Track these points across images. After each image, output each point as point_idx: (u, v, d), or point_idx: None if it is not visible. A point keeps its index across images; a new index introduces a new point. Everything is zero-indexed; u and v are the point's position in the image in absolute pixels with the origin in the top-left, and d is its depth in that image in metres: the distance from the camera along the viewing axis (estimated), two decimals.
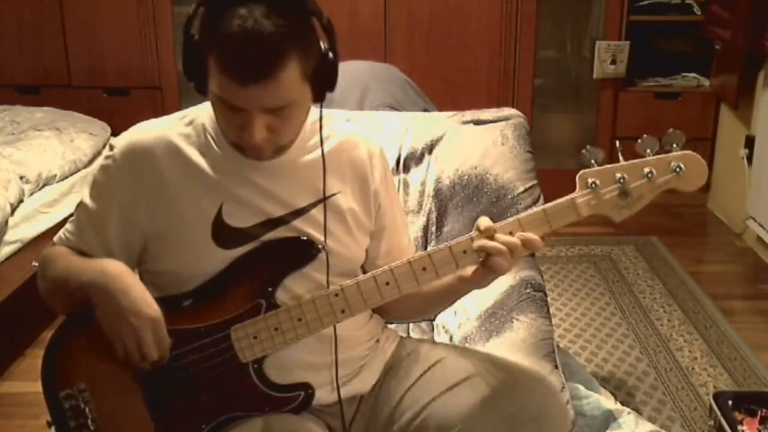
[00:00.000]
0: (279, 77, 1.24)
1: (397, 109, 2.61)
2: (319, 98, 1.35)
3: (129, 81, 4.10)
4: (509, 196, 2.11)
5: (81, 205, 1.46)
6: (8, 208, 2.65)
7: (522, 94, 4.09)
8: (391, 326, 1.72)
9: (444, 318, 2.05)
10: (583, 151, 1.38)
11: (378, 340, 1.56)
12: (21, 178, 2.81)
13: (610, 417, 2.20)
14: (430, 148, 2.22)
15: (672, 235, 3.80)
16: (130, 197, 1.39)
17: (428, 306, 1.59)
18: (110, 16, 4.02)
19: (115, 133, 3.49)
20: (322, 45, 1.31)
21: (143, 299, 1.32)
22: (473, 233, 1.37)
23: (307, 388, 1.41)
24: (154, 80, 4.09)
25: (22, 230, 2.74)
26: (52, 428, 1.39)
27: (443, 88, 3.88)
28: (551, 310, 2.10)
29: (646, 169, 1.37)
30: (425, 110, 2.69)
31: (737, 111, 3.86)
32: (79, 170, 3.17)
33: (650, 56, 4.17)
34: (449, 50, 4.04)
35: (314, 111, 1.41)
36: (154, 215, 1.39)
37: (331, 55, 1.32)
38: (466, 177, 2.15)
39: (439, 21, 4.01)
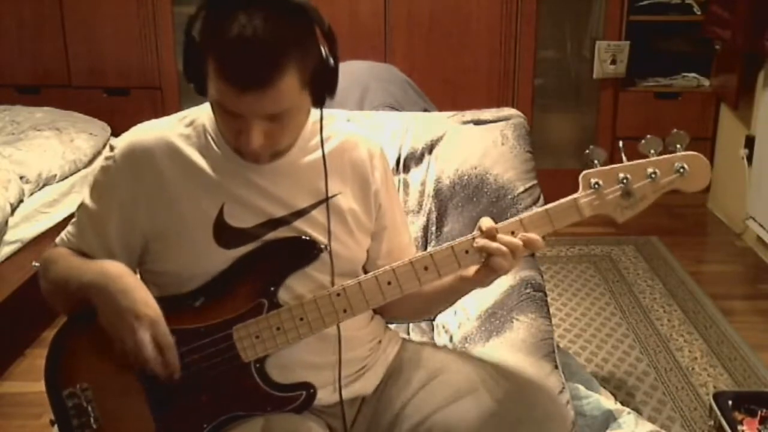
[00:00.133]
0: (277, 85, 1.24)
1: (397, 109, 2.61)
2: (318, 104, 1.35)
3: (129, 81, 4.10)
4: (509, 196, 2.11)
5: (82, 206, 1.46)
6: (8, 208, 2.65)
7: (522, 94, 4.09)
8: (392, 326, 1.72)
9: (444, 318, 2.05)
10: (586, 151, 1.38)
11: (380, 341, 1.56)
12: (21, 178, 2.81)
13: (610, 417, 2.20)
14: (430, 148, 2.22)
15: (672, 235, 3.80)
16: (130, 198, 1.39)
17: (429, 305, 1.59)
18: (110, 16, 4.02)
19: (115, 133, 3.49)
20: (323, 51, 1.31)
21: (143, 300, 1.33)
22: (475, 233, 1.38)
23: (309, 388, 1.41)
24: (154, 80, 4.09)
25: (22, 230, 2.74)
26: (55, 427, 1.39)
27: (443, 88, 3.88)
28: (551, 310, 2.10)
29: (650, 170, 1.37)
30: (425, 110, 2.69)
31: (737, 111, 3.86)
32: (79, 170, 3.17)
33: (650, 56, 4.17)
34: (449, 50, 4.04)
35: (315, 112, 1.41)
36: (155, 215, 1.39)
37: (331, 62, 1.31)
38: (466, 177, 2.15)
39: (439, 21, 4.01)
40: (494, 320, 1.89)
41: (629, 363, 2.72)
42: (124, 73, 4.09)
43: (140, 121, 1.46)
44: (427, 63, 4.01)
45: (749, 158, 3.69)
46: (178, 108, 1.49)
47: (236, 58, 1.22)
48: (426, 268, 1.38)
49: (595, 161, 1.38)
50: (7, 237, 2.66)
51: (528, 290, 1.95)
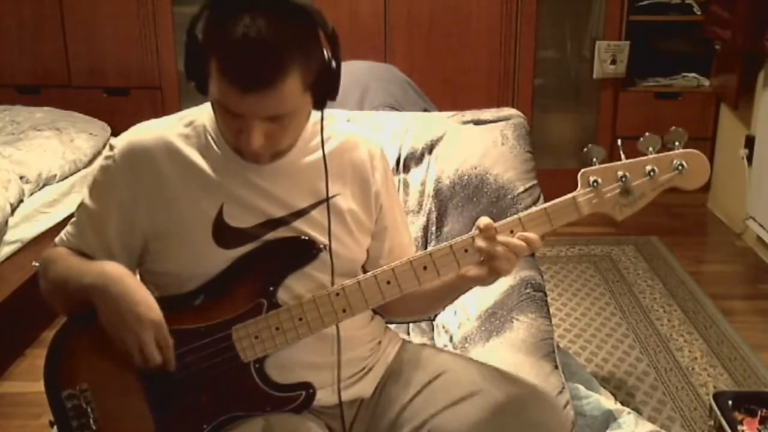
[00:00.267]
0: (280, 87, 1.24)
1: (397, 109, 2.61)
2: (319, 106, 1.35)
3: (129, 81, 4.10)
4: (509, 196, 2.11)
5: (81, 205, 1.46)
6: (8, 208, 2.65)
7: (522, 94, 4.09)
8: (392, 327, 1.72)
9: (444, 318, 2.05)
10: (585, 149, 1.38)
11: (380, 342, 1.56)
12: (21, 178, 2.81)
13: (610, 417, 2.20)
14: (430, 148, 2.22)
15: (672, 235, 3.80)
16: (129, 197, 1.39)
17: (429, 304, 1.59)
18: (110, 16, 4.02)
19: (115, 133, 3.49)
20: (326, 54, 1.31)
21: (144, 302, 1.32)
22: (474, 232, 1.37)
23: (309, 388, 1.41)
24: (154, 80, 4.09)
25: (22, 230, 2.74)
26: (55, 428, 1.39)
27: (443, 88, 3.88)
28: (551, 310, 2.10)
29: (648, 167, 1.37)
30: (425, 110, 2.69)
31: (737, 111, 3.86)
32: (79, 170, 3.17)
33: (650, 56, 4.17)
34: (449, 50, 4.04)
35: (315, 112, 1.41)
36: (154, 215, 1.39)
37: (333, 64, 1.31)
38: (466, 177, 2.15)
39: (439, 21, 4.01)
40: (494, 320, 1.89)
41: (629, 363, 2.71)
42: (124, 73, 4.09)
43: (140, 121, 1.46)
44: (427, 63, 4.01)
45: (749, 158, 3.69)
46: (178, 108, 1.49)
47: (240, 58, 1.22)
48: (425, 268, 1.38)
49: (594, 159, 1.38)
50: (7, 237, 2.66)
51: (528, 290, 1.95)
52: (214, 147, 1.40)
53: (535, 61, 4.07)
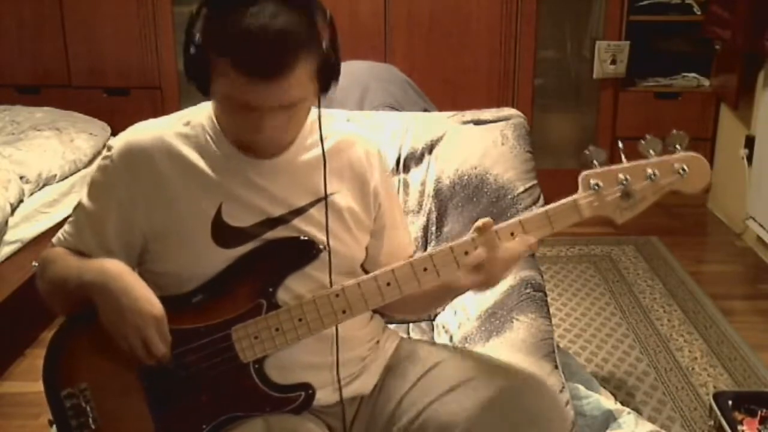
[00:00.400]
0: (293, 74, 1.25)
1: (397, 109, 2.61)
2: (324, 91, 1.36)
3: (129, 81, 4.10)
4: (509, 196, 2.11)
5: (79, 206, 1.45)
6: (8, 208, 2.65)
7: (522, 94, 4.09)
8: (391, 326, 1.72)
9: (444, 318, 2.05)
10: (586, 151, 1.38)
11: (378, 341, 1.56)
12: (21, 178, 2.81)
13: (610, 417, 2.20)
14: (430, 148, 2.21)
15: (672, 235, 3.80)
16: (128, 197, 1.39)
17: (429, 304, 1.60)
18: (110, 16, 4.02)
19: (115, 133, 3.47)
20: (326, 41, 1.31)
21: (145, 297, 1.33)
22: (472, 234, 1.37)
23: (308, 389, 1.41)
24: (154, 80, 4.09)
25: (22, 230, 2.74)
26: (54, 427, 1.39)
27: (443, 88, 3.88)
28: (551, 310, 2.10)
29: (649, 171, 1.36)
30: (425, 110, 2.69)
31: (737, 111, 3.86)
32: (79, 170, 3.17)
33: (650, 56, 4.17)
34: (449, 50, 4.04)
35: (313, 111, 1.41)
36: (153, 215, 1.39)
37: (333, 51, 1.32)
38: (466, 177, 2.15)
39: (439, 21, 4.01)
40: (494, 320, 1.89)
41: (629, 363, 2.71)
42: (124, 73, 4.09)
43: (140, 121, 1.46)
44: (427, 63, 4.01)
45: (749, 158, 3.69)
46: (178, 108, 1.49)
47: (254, 48, 1.23)
48: (425, 269, 1.38)
49: (594, 162, 1.38)
50: (7, 237, 2.66)
51: (528, 290, 1.95)
52: (213, 146, 1.40)
53: (535, 61, 4.07)
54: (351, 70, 2.76)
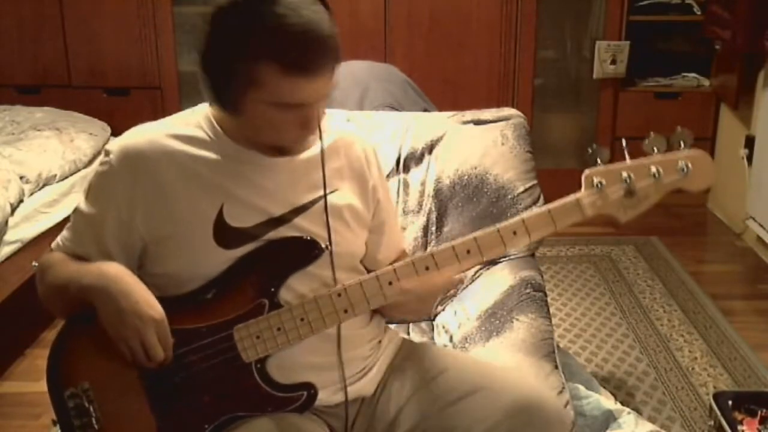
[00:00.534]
0: (334, 64, 1.29)
1: (397, 109, 2.61)
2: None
3: (129, 81, 4.10)
4: (509, 196, 2.12)
5: (77, 210, 1.45)
6: (8, 208, 2.65)
7: (522, 94, 4.09)
8: (392, 327, 1.72)
9: (444, 318, 2.05)
10: (589, 150, 1.37)
11: (380, 341, 1.56)
12: (21, 178, 2.81)
13: (610, 417, 2.20)
14: (430, 148, 2.22)
15: (672, 235, 3.80)
16: (126, 201, 1.39)
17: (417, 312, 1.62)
18: (110, 16, 4.01)
19: (115, 133, 3.49)
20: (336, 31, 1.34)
21: (145, 300, 1.33)
22: (477, 233, 1.38)
23: (310, 388, 1.41)
24: (154, 80, 4.09)
25: (22, 230, 2.74)
26: (57, 427, 1.39)
27: (443, 88, 3.88)
28: (551, 310, 2.11)
29: (653, 169, 1.36)
30: (425, 110, 2.69)
31: (737, 111, 3.86)
32: (79, 170, 3.17)
33: (650, 56, 4.17)
34: (449, 50, 4.03)
35: None
36: (153, 218, 1.39)
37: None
38: (466, 177, 2.15)
39: (439, 21, 4.01)
40: (494, 320, 1.89)
41: (629, 363, 2.71)
42: (124, 73, 4.09)
43: (140, 121, 1.46)
44: (427, 63, 4.01)
45: (749, 158, 3.69)
46: (178, 108, 1.49)
47: (302, 45, 1.25)
48: (427, 268, 1.39)
49: (598, 160, 1.37)
50: (7, 237, 2.65)
51: (528, 290, 1.95)
52: (213, 147, 1.40)
53: (535, 61, 4.07)
54: (351, 70, 2.76)
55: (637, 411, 2.38)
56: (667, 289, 3.27)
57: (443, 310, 2.08)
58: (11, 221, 2.67)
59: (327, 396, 1.44)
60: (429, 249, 1.42)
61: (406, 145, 2.22)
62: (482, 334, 1.86)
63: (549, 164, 3.92)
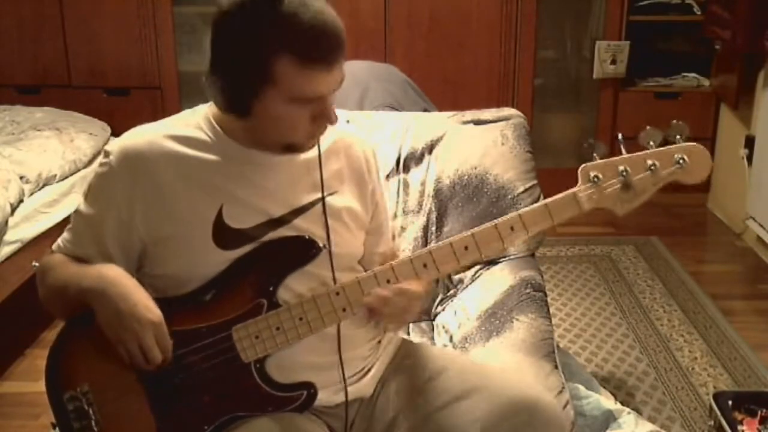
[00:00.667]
0: (344, 55, 1.30)
1: (397, 109, 2.61)
2: None
3: (129, 81, 4.10)
4: (509, 196, 2.12)
5: (77, 212, 1.45)
6: (8, 208, 2.65)
7: (522, 94, 4.09)
8: None
9: (444, 318, 2.05)
10: (585, 144, 1.38)
11: (380, 341, 1.56)
12: (21, 178, 2.81)
13: (610, 417, 2.20)
14: (430, 148, 2.22)
15: (672, 235, 3.80)
16: (126, 202, 1.38)
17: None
18: (110, 16, 4.02)
19: (115, 133, 3.49)
20: None
21: (143, 303, 1.32)
22: (475, 229, 1.38)
23: (310, 387, 1.41)
24: (154, 80, 4.09)
25: (22, 230, 2.74)
26: (56, 430, 1.39)
27: (443, 88, 3.88)
28: (551, 310, 2.11)
29: (649, 162, 1.36)
30: (425, 110, 2.69)
31: (737, 111, 3.86)
32: (79, 170, 3.17)
33: (650, 56, 4.17)
34: (449, 50, 4.04)
35: None
36: (152, 219, 1.38)
37: None
38: (466, 177, 2.15)
39: (439, 21, 4.01)
40: (494, 320, 1.89)
41: (629, 363, 2.71)
42: (124, 73, 4.09)
43: (140, 122, 1.45)
44: (427, 63, 4.01)
45: (749, 158, 3.69)
46: (178, 108, 1.48)
47: (318, 38, 1.26)
48: (425, 266, 1.39)
49: (594, 154, 1.37)
50: (7, 237, 2.66)
51: (528, 290, 1.95)
52: (212, 148, 1.40)
53: (535, 61, 4.07)
54: (351, 70, 2.74)
55: (637, 411, 2.38)
56: (667, 289, 3.27)
57: (443, 310, 2.09)
58: (11, 221, 2.67)
59: (327, 396, 1.44)
60: (427, 247, 1.42)
61: (406, 145, 2.22)
62: (482, 334, 1.86)
63: (549, 164, 3.91)
